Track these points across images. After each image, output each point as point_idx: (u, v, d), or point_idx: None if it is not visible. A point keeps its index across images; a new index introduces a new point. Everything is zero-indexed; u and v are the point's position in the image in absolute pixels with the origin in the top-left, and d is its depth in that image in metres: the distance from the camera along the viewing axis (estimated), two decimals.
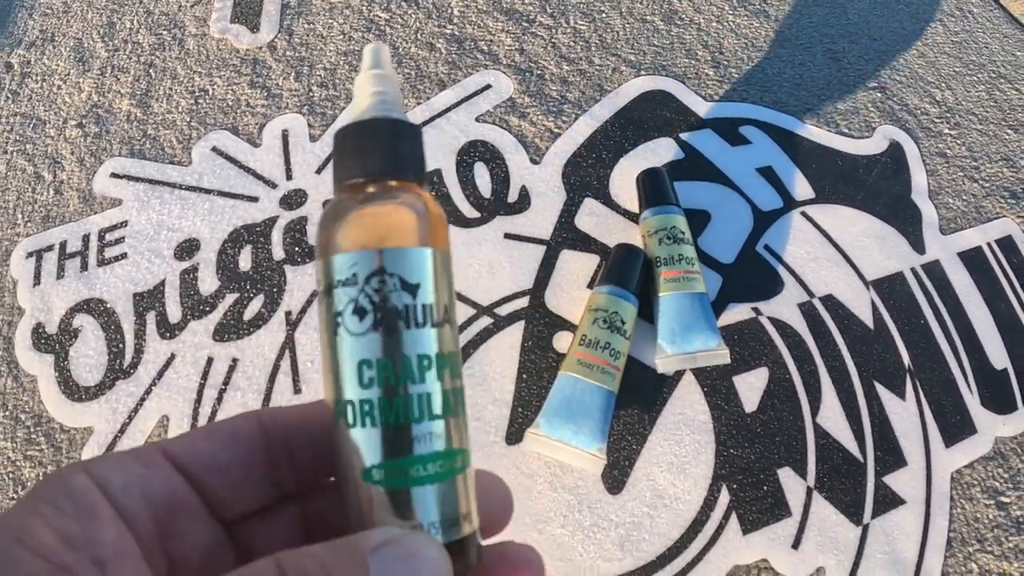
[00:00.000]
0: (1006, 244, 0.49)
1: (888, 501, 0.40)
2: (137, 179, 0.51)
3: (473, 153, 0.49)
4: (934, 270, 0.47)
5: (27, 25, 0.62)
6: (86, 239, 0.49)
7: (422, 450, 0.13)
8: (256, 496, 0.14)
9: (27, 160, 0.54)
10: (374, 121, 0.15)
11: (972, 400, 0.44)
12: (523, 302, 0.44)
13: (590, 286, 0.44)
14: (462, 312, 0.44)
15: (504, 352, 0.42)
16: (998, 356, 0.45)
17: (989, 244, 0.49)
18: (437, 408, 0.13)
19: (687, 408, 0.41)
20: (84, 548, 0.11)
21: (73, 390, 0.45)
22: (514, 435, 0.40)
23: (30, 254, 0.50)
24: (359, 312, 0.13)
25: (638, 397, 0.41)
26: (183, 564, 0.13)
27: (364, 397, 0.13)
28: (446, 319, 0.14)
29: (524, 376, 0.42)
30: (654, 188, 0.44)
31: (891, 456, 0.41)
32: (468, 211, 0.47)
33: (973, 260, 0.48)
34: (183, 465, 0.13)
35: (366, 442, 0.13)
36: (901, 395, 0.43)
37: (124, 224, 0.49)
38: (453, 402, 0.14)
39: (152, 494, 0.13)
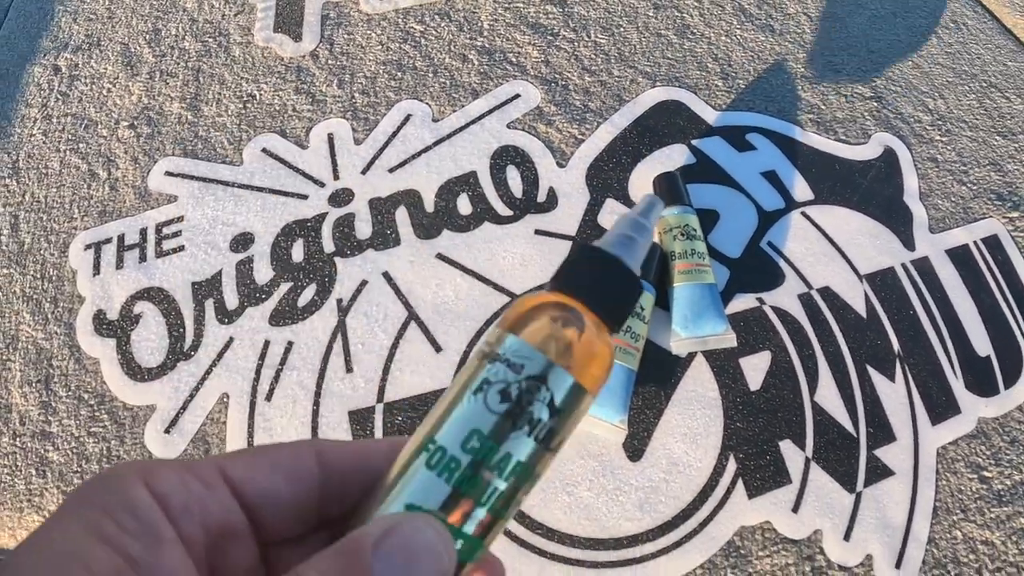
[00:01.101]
0: (992, 243, 0.54)
1: (879, 472, 0.45)
2: (191, 177, 0.55)
3: (505, 157, 0.54)
4: (923, 265, 0.52)
5: (72, 29, 0.66)
6: (144, 232, 0.53)
7: (465, 527, 0.14)
8: (302, 526, 0.14)
9: (80, 158, 0.58)
10: (619, 261, 0.16)
11: (957, 383, 0.48)
12: None
13: None
14: (497, 300, 0.48)
15: None
16: (982, 344, 0.50)
17: (976, 242, 0.54)
18: (498, 505, 0.14)
19: (699, 386, 0.46)
20: (148, 573, 0.11)
21: (135, 371, 0.49)
22: None
23: (88, 246, 0.54)
24: (504, 396, 0.14)
25: (655, 376, 0.46)
26: None
27: (457, 455, 0.14)
28: (554, 449, 0.15)
29: None
30: (669, 189, 0.49)
31: (881, 432, 0.46)
32: (502, 209, 0.51)
33: (960, 257, 0.53)
34: (241, 492, 0.13)
35: (430, 486, 0.14)
36: (891, 377, 0.48)
37: (180, 219, 0.54)
38: (509, 510, 0.14)
39: (209, 518, 0.12)
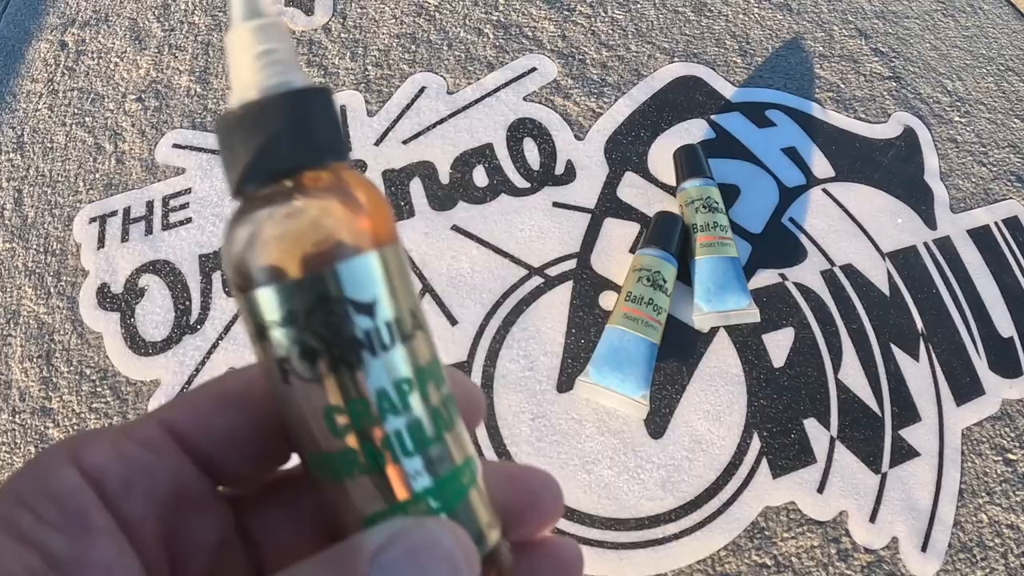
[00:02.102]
0: (1013, 224, 0.53)
1: (904, 453, 0.44)
2: (200, 149, 0.54)
3: (522, 129, 0.53)
4: (945, 245, 0.51)
5: (79, 5, 0.65)
6: (150, 205, 0.52)
7: (424, 483, 0.11)
8: (271, 463, 0.12)
9: (87, 132, 0.57)
10: (263, 101, 0.11)
11: (980, 364, 0.47)
12: (571, 264, 0.47)
13: (632, 251, 0.48)
14: (514, 272, 0.47)
15: (554, 308, 0.46)
16: (1005, 325, 0.49)
17: (996, 223, 0.53)
18: (429, 432, 0.11)
19: (721, 362, 0.45)
20: (73, 572, 0.09)
21: (139, 345, 0.47)
22: (564, 383, 0.44)
23: (93, 219, 0.52)
24: (308, 355, 0.10)
25: (677, 351, 0.45)
26: (188, 568, 0.11)
27: (343, 447, 0.11)
28: (416, 325, 0.11)
29: (573, 330, 0.45)
30: (691, 162, 0.48)
31: (906, 411, 0.45)
32: (519, 181, 0.50)
33: (981, 237, 0.52)
34: (191, 443, 0.11)
35: (360, 493, 0.11)
36: (915, 356, 0.47)
37: (188, 191, 0.52)
38: (445, 416, 0.11)
39: (158, 490, 0.10)
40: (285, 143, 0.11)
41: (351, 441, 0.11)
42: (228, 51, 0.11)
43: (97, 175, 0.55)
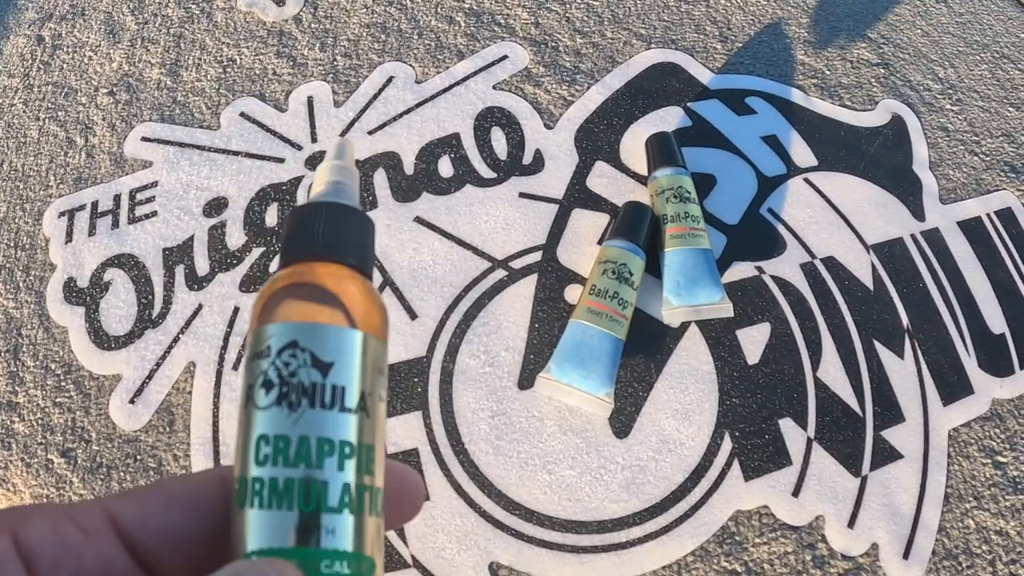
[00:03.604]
0: (1006, 215, 0.51)
1: (886, 454, 0.42)
2: (167, 142, 0.54)
3: (490, 118, 0.51)
4: (933, 237, 0.49)
5: (57, 0, 0.65)
6: (117, 199, 0.52)
7: (324, 543, 0.11)
8: (208, 564, 0.12)
9: (59, 126, 0.57)
10: (321, 204, 0.15)
11: (969, 362, 0.45)
12: (536, 256, 0.46)
13: (600, 242, 0.46)
14: (476, 265, 0.46)
15: (517, 302, 0.44)
16: (996, 322, 0.47)
17: (989, 215, 0.50)
18: (334, 500, 0.12)
19: (692, 359, 0.43)
20: None
21: (103, 340, 0.47)
22: (526, 380, 0.42)
23: (62, 214, 0.52)
24: (266, 385, 0.12)
25: (645, 347, 0.43)
26: None
27: (257, 475, 0.12)
28: (362, 407, 0.13)
29: (536, 325, 0.44)
30: (662, 150, 0.46)
31: (889, 411, 0.43)
32: (485, 172, 0.49)
33: (973, 229, 0.50)
34: (130, 535, 0.11)
35: (252, 524, 0.11)
36: (900, 354, 0.45)
37: (154, 184, 0.52)
38: (359, 500, 0.12)
39: (85, 571, 0.11)
40: (320, 235, 0.14)
41: (265, 472, 0.12)
42: (315, 177, 0.16)
43: (67, 169, 0.54)
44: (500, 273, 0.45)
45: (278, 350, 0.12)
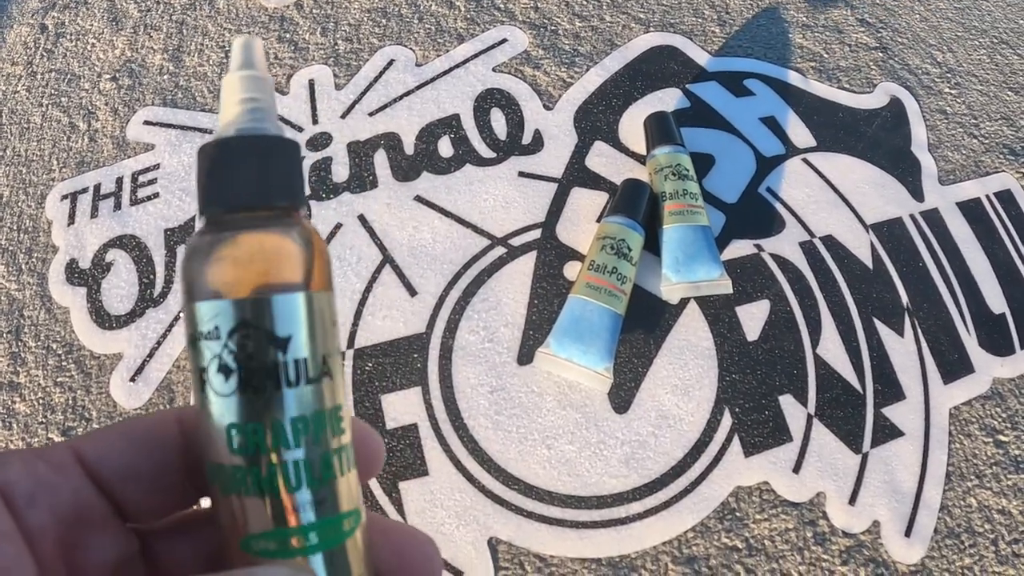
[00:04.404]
0: (1005, 197, 0.51)
1: (887, 432, 0.42)
2: (169, 125, 0.54)
3: (490, 100, 0.52)
4: (933, 217, 0.49)
5: None
6: (119, 181, 0.52)
7: (304, 519, 0.12)
8: (174, 501, 0.13)
9: (62, 111, 0.57)
10: (238, 139, 0.13)
11: (970, 340, 0.45)
12: (535, 234, 0.46)
13: (599, 220, 0.46)
14: (476, 243, 0.46)
15: (517, 279, 0.44)
16: (996, 301, 0.47)
17: (988, 196, 0.50)
18: (317, 473, 0.12)
19: (691, 335, 0.43)
20: None
21: (104, 319, 0.47)
22: (525, 356, 0.42)
23: (64, 196, 0.52)
24: (224, 371, 0.12)
25: (645, 323, 0.43)
26: None
27: (236, 463, 0.12)
28: (325, 371, 0.12)
29: (535, 301, 0.44)
30: (661, 129, 0.47)
31: (890, 389, 0.43)
32: (484, 151, 0.49)
33: (972, 210, 0.50)
34: (96, 471, 0.12)
35: (243, 511, 0.12)
36: (899, 332, 0.45)
37: (157, 167, 0.52)
38: (337, 463, 0.12)
39: (60, 505, 0.11)
40: (248, 180, 0.13)
41: (243, 461, 0.12)
42: (221, 93, 0.13)
43: (70, 153, 0.55)
44: (500, 250, 0.45)
45: (228, 332, 0.12)
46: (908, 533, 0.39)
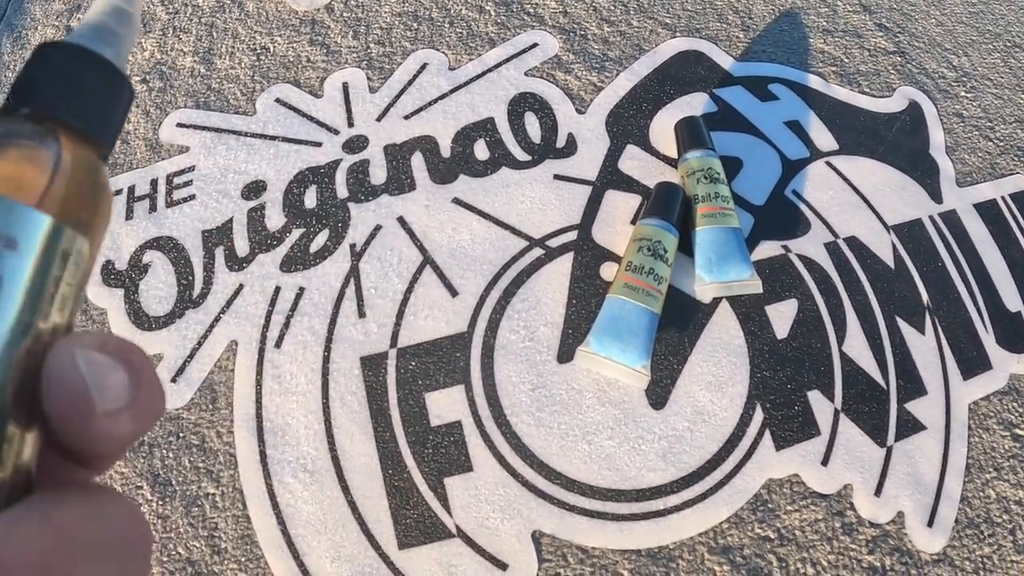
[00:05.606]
0: (1020, 198, 0.52)
1: (910, 426, 0.43)
2: (203, 128, 0.55)
3: (523, 103, 0.53)
4: (951, 218, 0.51)
5: None
6: (154, 183, 0.53)
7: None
8: None
9: None
10: (66, 47, 0.12)
11: (987, 338, 0.47)
12: (572, 236, 0.47)
13: (633, 222, 0.48)
14: (514, 244, 0.47)
15: (555, 279, 0.46)
16: (1012, 299, 0.48)
17: (1003, 197, 0.52)
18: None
19: (723, 333, 0.44)
20: None
21: (143, 320, 0.48)
22: (565, 354, 0.44)
23: None
24: None
25: (679, 322, 0.44)
26: None
27: None
28: (45, 311, 0.11)
29: (573, 301, 0.45)
30: (692, 133, 0.48)
31: (912, 385, 0.44)
32: (520, 154, 0.50)
33: (988, 211, 0.51)
34: None
35: None
36: (920, 330, 0.46)
37: (192, 169, 0.53)
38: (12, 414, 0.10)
39: None
40: (50, 84, 0.12)
41: None
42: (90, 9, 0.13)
43: None
44: (537, 251, 0.47)
45: None
46: (931, 523, 0.41)
